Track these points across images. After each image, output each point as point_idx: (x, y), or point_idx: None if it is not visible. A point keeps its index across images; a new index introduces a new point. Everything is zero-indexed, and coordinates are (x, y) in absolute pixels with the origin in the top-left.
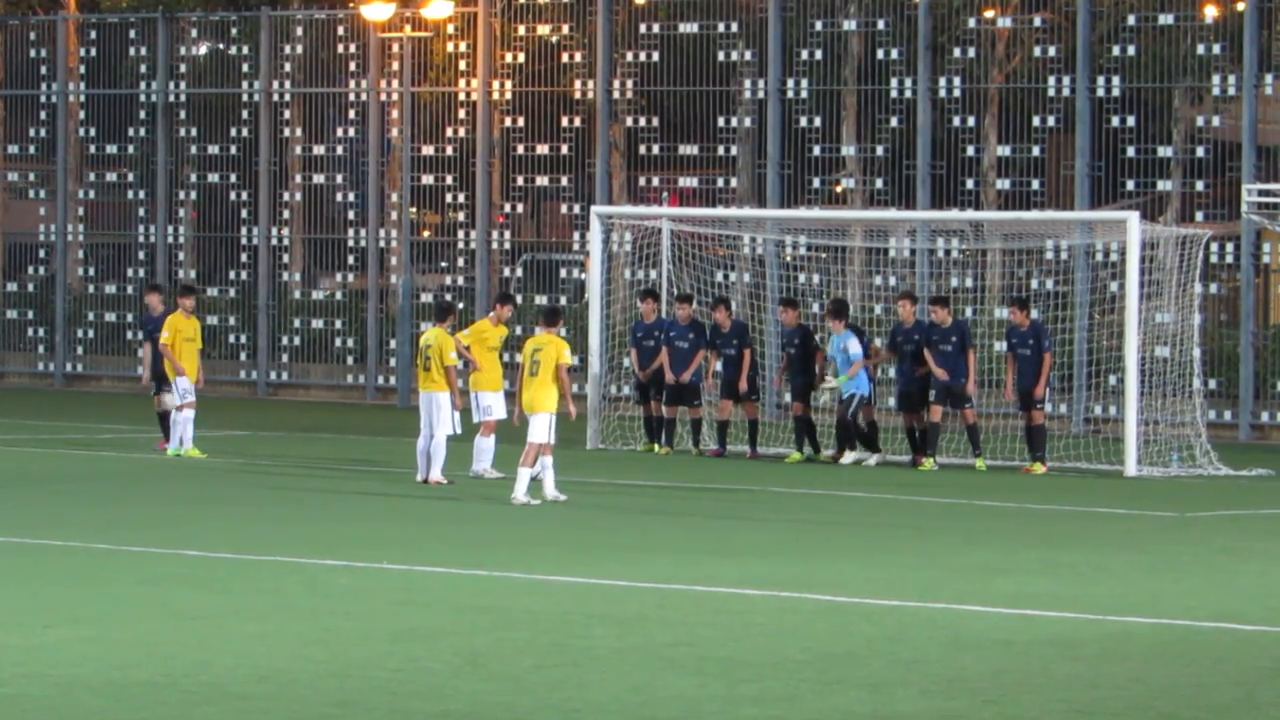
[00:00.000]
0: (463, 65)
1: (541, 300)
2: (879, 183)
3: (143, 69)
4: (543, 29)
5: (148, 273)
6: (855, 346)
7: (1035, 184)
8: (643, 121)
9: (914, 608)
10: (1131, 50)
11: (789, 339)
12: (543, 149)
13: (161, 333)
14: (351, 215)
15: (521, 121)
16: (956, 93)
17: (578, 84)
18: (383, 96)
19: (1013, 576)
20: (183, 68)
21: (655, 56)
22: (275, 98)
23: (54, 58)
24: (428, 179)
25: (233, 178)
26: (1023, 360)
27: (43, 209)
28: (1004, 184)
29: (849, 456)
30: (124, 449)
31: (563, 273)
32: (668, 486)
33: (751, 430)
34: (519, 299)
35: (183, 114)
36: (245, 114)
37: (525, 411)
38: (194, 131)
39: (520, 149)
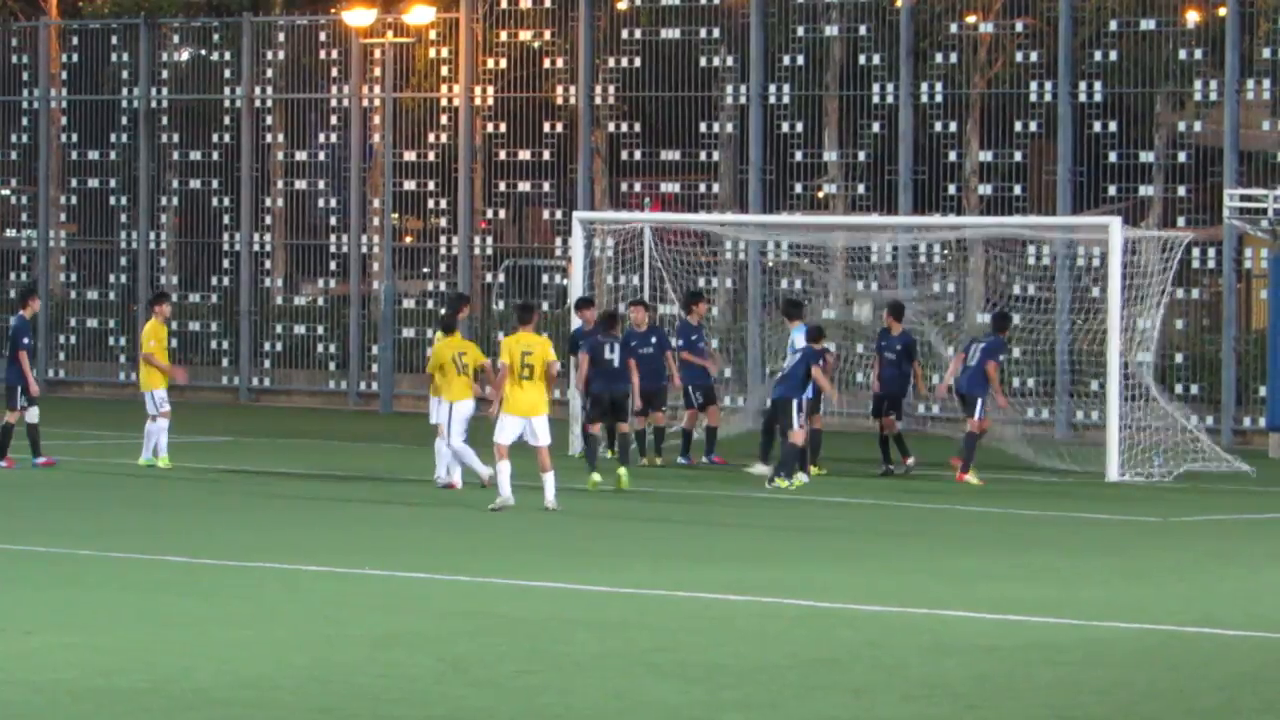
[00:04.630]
0: (444, 71)
1: None
2: (861, 188)
3: (124, 75)
4: (524, 35)
5: (130, 278)
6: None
7: (1017, 189)
8: (624, 127)
9: (896, 613)
10: (1113, 55)
11: (890, 344)
12: (524, 154)
13: (148, 341)
14: (333, 221)
15: (503, 127)
16: (938, 98)
17: (559, 89)
18: (365, 102)
19: (995, 581)
20: (164, 73)
21: (637, 62)
22: (257, 103)
23: (35, 63)
24: (409, 184)
25: (214, 183)
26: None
27: (24, 215)
28: (986, 189)
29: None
30: (107, 455)
31: (545, 278)
32: (648, 493)
33: (710, 436)
34: (500, 304)
35: (164, 120)
36: (227, 120)
37: (527, 415)
38: (176, 137)
39: (502, 154)
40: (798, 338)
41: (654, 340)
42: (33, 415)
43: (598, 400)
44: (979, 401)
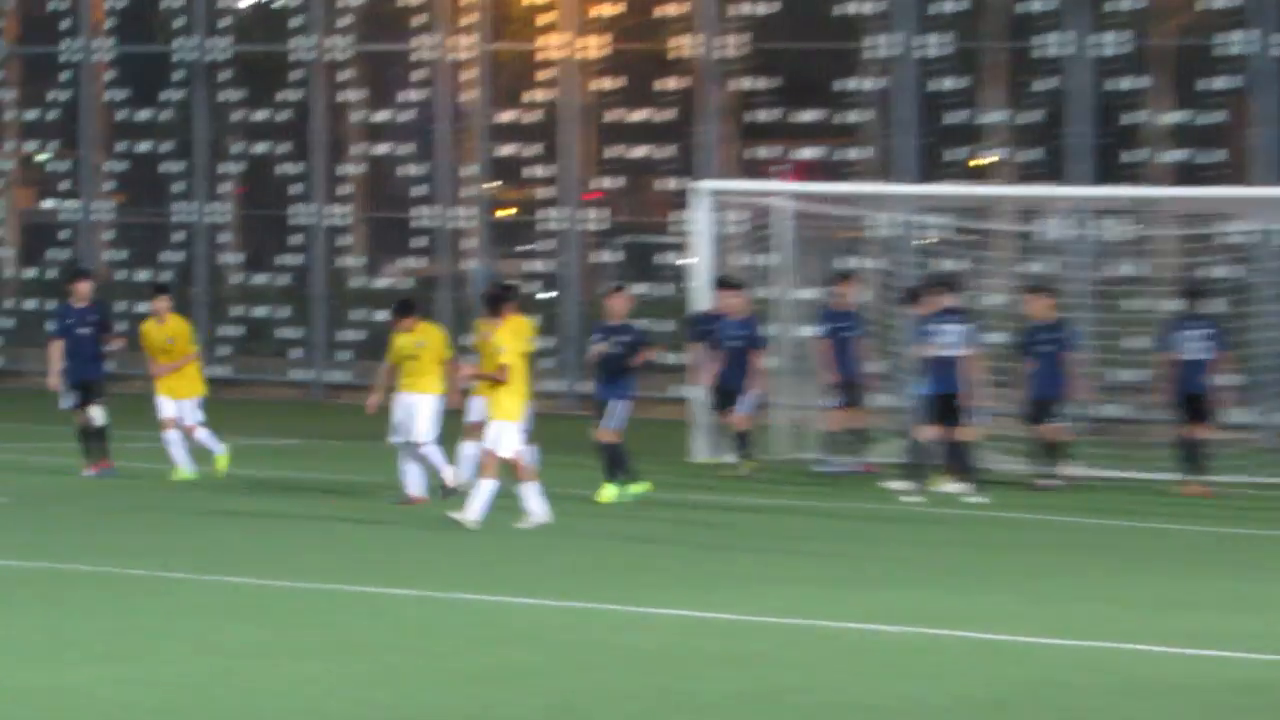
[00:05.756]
0: (547, 18)
1: (642, 289)
2: (1029, 154)
3: (179, 22)
4: None
5: (186, 257)
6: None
7: (1213, 155)
8: (755, 83)
9: (1075, 647)
10: None
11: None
12: (640, 115)
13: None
14: (419, 191)
15: (615, 83)
16: (1119, 50)
17: (680, 40)
18: (455, 54)
19: (1193, 611)
20: (225, 21)
21: (770, 8)
22: (331, 56)
23: (77, 9)
24: (506, 149)
25: (282, 148)
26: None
27: (65, 184)
28: (1176, 156)
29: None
30: (160, 461)
31: (663, 257)
32: (785, 507)
33: (859, 439)
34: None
35: (225, 75)
36: (296, 75)
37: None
38: (238, 95)
39: (614, 115)
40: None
41: (744, 332)
42: (95, 416)
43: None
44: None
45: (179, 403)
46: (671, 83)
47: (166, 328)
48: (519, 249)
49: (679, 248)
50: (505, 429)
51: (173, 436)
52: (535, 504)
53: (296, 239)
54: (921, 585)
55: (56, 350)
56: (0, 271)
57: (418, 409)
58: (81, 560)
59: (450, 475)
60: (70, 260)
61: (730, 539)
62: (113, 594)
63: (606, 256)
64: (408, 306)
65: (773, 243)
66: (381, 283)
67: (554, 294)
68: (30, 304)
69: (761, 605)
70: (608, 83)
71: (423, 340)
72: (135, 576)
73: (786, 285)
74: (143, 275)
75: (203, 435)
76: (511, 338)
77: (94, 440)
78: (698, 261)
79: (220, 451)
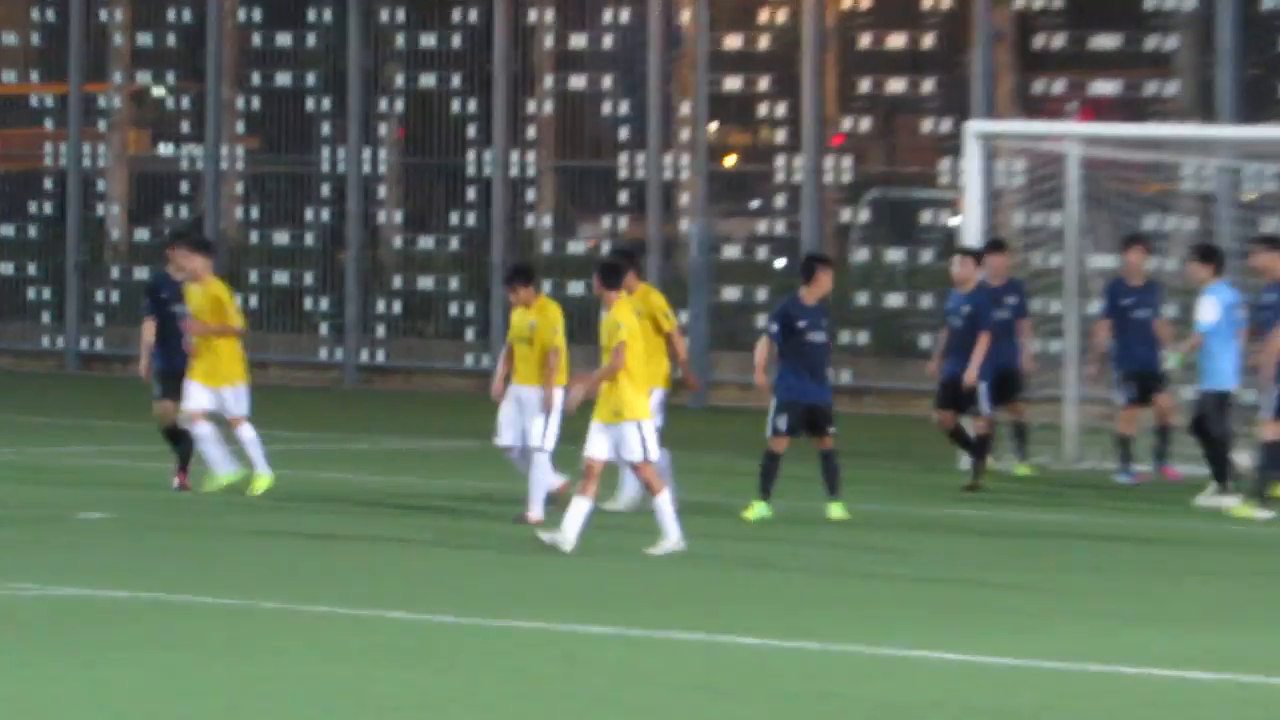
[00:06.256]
0: None
1: (898, 256)
2: None
3: None
4: None
5: (334, 214)
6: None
7: None
8: (1039, 1)
9: None
10: None
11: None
12: (897, 40)
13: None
14: (623, 135)
15: (867, 1)
16: None
17: None
18: None
19: None
20: None
21: None
22: None
23: None
24: (732, 83)
25: (455, 81)
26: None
27: (185, 124)
28: None
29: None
30: (302, 465)
31: (924, 216)
32: (1063, 526)
33: (1162, 440)
34: (864, 253)
35: None
36: None
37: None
38: (400, 15)
39: (865, 41)
40: (1205, 303)
41: (969, 308)
42: (181, 414)
43: (787, 408)
44: None
45: (217, 391)
46: (936, 1)
47: (207, 291)
48: (746, 206)
49: (945, 204)
50: (645, 428)
51: (205, 431)
52: (669, 525)
53: (471, 193)
54: (1241, 622)
55: (149, 332)
56: (106, 233)
57: (529, 405)
58: (201, 590)
59: (537, 513)
60: (193, 220)
61: (992, 566)
62: (241, 632)
63: (853, 215)
64: (520, 273)
65: (1059, 198)
66: (575, 247)
67: (787, 261)
68: (141, 273)
69: (1035, 648)
70: (857, 2)
71: (535, 320)
72: (268, 610)
73: (1076, 250)
74: (281, 237)
75: (248, 436)
76: (630, 314)
77: (179, 444)
78: (967, 221)
79: (262, 470)
